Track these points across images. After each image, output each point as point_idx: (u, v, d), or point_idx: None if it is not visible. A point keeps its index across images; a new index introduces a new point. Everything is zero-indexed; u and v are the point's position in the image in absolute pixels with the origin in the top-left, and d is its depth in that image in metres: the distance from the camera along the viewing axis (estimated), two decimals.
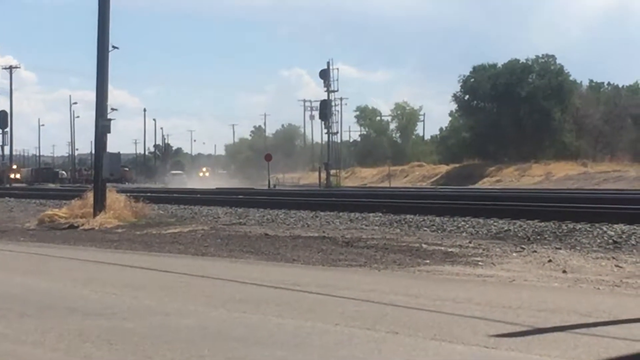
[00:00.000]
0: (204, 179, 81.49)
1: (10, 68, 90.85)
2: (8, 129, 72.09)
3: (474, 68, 77.94)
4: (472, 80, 76.81)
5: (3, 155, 73.64)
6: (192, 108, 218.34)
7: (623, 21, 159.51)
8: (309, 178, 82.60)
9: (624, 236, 13.37)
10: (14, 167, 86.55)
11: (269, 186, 58.26)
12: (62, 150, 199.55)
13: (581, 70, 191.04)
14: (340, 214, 20.30)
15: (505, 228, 15.45)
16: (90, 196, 20.88)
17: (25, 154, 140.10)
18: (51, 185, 73.15)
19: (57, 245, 15.32)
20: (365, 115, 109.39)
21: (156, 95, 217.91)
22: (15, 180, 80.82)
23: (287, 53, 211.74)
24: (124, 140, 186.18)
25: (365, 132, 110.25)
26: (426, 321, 6.32)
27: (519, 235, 14.35)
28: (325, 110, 62.82)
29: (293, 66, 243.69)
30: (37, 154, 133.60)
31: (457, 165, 76.91)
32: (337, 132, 73.53)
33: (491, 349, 5.36)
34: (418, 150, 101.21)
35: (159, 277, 9.84)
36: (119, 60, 79.68)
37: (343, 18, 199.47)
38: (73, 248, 14.66)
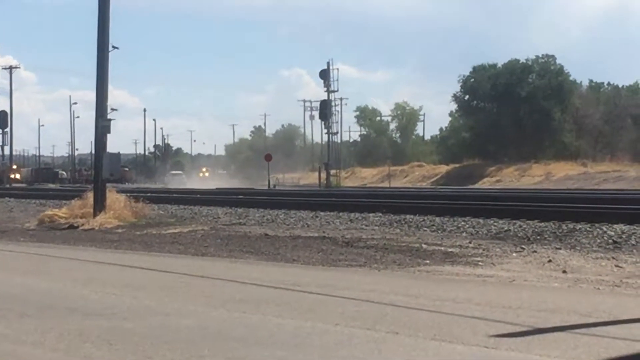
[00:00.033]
0: (203, 179, 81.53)
1: (10, 68, 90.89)
2: (8, 129, 72.18)
3: (474, 68, 78.02)
4: (472, 80, 76.83)
5: (3, 156, 73.65)
6: (192, 108, 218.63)
7: (623, 21, 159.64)
8: (309, 178, 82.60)
9: (623, 236, 13.37)
10: (14, 167, 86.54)
11: (268, 186, 58.27)
12: (62, 151, 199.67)
13: (581, 70, 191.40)
14: (340, 214, 20.31)
15: (505, 228, 15.45)
16: (90, 196, 20.88)
17: (25, 154, 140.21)
18: (51, 186, 73.09)
19: (57, 245, 15.31)
20: (365, 115, 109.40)
21: (156, 95, 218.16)
22: (15, 180, 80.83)
23: (287, 53, 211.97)
24: (124, 140, 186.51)
25: (365, 132, 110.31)
26: (426, 321, 6.32)
27: (519, 235, 14.35)
28: (325, 110, 62.82)
29: (293, 66, 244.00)
30: (37, 154, 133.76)
31: (457, 165, 76.93)
32: (337, 132, 73.61)
33: (491, 349, 5.36)
34: (418, 150, 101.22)
35: (159, 277, 9.84)
36: (119, 60, 79.76)
37: (343, 18, 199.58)
38: (73, 248, 14.66)
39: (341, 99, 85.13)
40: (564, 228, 14.77)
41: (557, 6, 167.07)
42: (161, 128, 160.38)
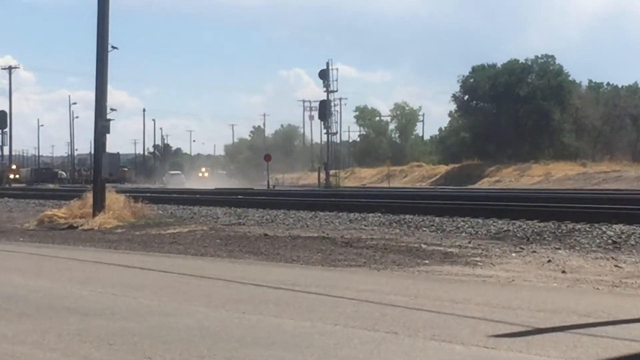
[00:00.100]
0: (203, 179, 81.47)
1: (10, 68, 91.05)
2: (7, 129, 72.29)
3: (473, 68, 78.07)
4: (472, 80, 76.87)
5: (2, 156, 73.76)
6: (192, 108, 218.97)
7: (622, 22, 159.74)
8: (308, 178, 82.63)
9: (623, 236, 13.37)
10: (13, 167, 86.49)
11: (268, 186, 58.25)
12: (62, 151, 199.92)
13: (580, 70, 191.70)
14: (340, 214, 20.30)
15: (505, 228, 15.44)
16: (89, 196, 20.88)
17: (25, 154, 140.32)
18: (50, 186, 73.04)
19: (56, 245, 15.31)
20: (365, 115, 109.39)
21: (155, 95, 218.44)
22: (15, 180, 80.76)
23: (287, 53, 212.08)
24: (123, 140, 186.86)
25: (364, 132, 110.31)
26: (425, 321, 6.32)
27: (518, 235, 14.34)
28: (324, 110, 62.81)
29: (292, 66, 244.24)
30: (37, 154, 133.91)
31: (456, 165, 76.91)
32: (337, 132, 73.61)
33: (490, 349, 5.36)
34: (417, 150, 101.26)
35: (159, 278, 9.84)
36: (119, 60, 79.73)
37: (343, 18, 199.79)
38: (72, 248, 14.66)
39: (340, 99, 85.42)
40: (563, 228, 14.77)
41: (556, 7, 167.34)
42: (160, 128, 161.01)
